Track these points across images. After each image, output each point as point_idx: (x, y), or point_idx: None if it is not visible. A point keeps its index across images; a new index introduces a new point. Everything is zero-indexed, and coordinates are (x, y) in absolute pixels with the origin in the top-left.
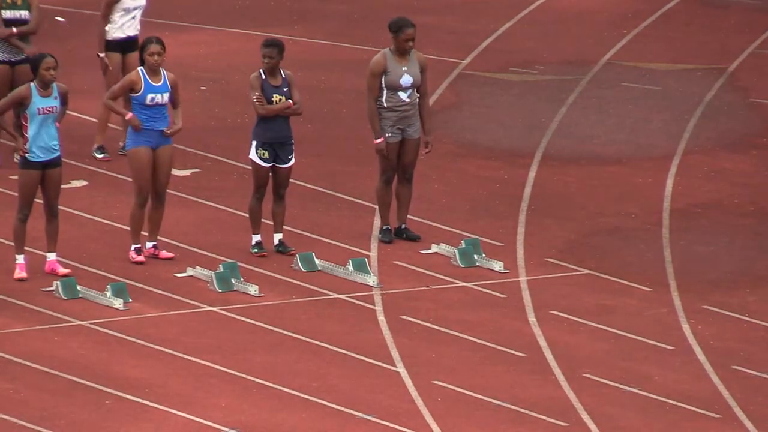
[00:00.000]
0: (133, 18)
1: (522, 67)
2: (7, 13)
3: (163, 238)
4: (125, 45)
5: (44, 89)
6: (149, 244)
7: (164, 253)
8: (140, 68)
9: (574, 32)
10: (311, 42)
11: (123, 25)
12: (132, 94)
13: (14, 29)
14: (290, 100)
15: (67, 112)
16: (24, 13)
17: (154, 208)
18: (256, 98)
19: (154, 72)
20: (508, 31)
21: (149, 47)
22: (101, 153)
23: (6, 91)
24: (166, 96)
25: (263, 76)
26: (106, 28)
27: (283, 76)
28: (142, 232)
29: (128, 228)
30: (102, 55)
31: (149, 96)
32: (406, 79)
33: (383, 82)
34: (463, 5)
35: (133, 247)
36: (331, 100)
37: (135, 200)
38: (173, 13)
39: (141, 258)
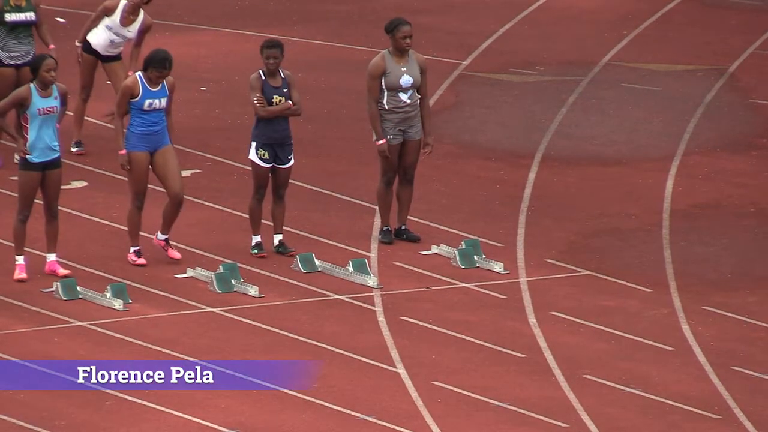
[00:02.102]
0: (112, 42)
1: (522, 68)
2: (12, 16)
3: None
4: (100, 55)
5: (44, 90)
6: (161, 236)
7: (173, 253)
8: (138, 74)
9: (574, 33)
10: (311, 42)
11: (102, 40)
12: (130, 99)
13: (52, 45)
14: (290, 101)
15: (68, 112)
16: (30, 15)
17: (172, 206)
18: (257, 99)
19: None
20: (508, 31)
21: (162, 72)
22: (77, 147)
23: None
24: (164, 101)
25: (263, 77)
26: (92, 31)
27: (283, 76)
28: (140, 232)
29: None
30: (78, 44)
31: (147, 101)
32: (406, 80)
33: (383, 83)
34: (463, 6)
35: (132, 249)
36: (331, 100)
37: (132, 203)
38: (173, 13)
39: (142, 261)
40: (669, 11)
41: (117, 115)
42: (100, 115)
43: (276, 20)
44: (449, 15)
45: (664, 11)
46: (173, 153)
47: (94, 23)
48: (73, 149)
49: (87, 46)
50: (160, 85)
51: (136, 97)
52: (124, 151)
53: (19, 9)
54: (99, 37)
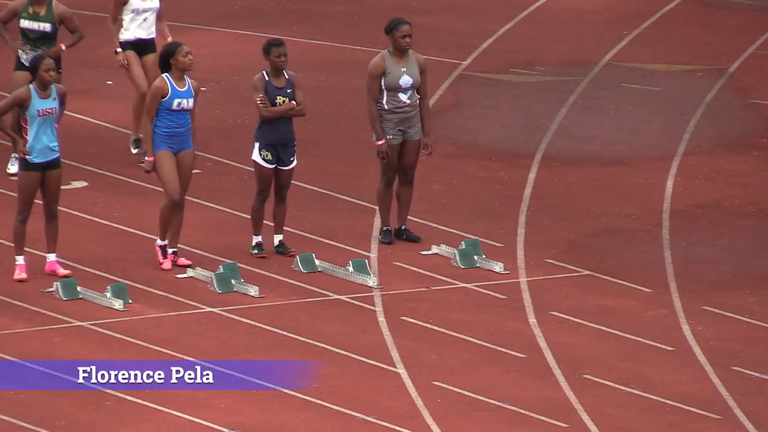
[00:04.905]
0: (145, 20)
1: (522, 68)
2: (26, 23)
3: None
4: (138, 47)
5: (43, 91)
6: (169, 251)
7: (182, 260)
8: (165, 75)
9: (574, 33)
10: (311, 43)
11: (133, 28)
12: (160, 100)
13: (63, 46)
14: (293, 101)
15: (67, 112)
16: (45, 26)
17: (173, 214)
18: (260, 100)
19: (179, 77)
20: (509, 32)
21: (182, 49)
22: (137, 148)
23: None
24: (191, 101)
25: (267, 78)
26: (121, 32)
27: (287, 77)
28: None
29: (129, 229)
30: (119, 50)
31: (176, 101)
32: (406, 80)
33: (383, 83)
34: (463, 6)
35: (158, 242)
36: (331, 101)
37: (166, 201)
38: (173, 13)
39: (167, 263)
40: (669, 11)
41: (147, 119)
42: (100, 115)
43: (276, 20)
44: (449, 15)
45: (664, 11)
46: (191, 159)
47: (117, 22)
48: (134, 150)
49: (125, 46)
50: (187, 84)
51: (165, 97)
52: (152, 158)
53: (36, 17)
54: (130, 29)
